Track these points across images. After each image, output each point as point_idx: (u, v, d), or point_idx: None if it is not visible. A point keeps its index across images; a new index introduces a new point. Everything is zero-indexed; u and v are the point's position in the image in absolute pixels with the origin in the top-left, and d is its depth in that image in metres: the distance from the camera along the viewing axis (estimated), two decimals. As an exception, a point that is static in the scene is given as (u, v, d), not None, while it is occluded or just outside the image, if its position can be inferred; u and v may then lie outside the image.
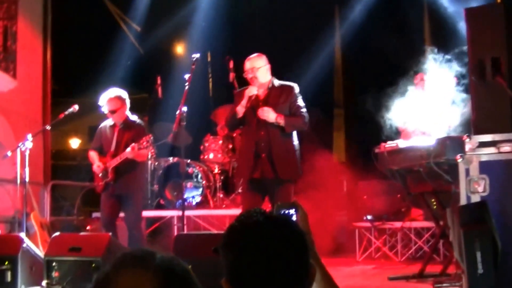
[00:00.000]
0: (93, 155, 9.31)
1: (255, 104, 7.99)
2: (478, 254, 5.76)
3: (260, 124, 7.89)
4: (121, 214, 9.49)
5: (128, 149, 8.70)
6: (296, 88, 8.08)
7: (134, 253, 1.93)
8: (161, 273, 1.87)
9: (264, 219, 2.33)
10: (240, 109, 7.96)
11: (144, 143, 8.64)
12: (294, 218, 2.78)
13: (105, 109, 9.13)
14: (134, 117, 9.37)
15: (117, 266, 1.90)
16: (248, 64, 8.05)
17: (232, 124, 8.33)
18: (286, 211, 2.79)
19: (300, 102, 8.02)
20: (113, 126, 9.29)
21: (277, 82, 8.11)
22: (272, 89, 8.04)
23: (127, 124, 9.22)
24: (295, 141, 8.06)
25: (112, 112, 9.11)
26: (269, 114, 7.79)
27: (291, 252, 2.28)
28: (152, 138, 8.81)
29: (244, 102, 7.93)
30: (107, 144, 9.23)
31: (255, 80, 7.97)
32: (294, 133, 8.08)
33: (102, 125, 9.47)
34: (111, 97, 9.14)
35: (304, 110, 8.00)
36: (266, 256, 2.24)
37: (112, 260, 1.94)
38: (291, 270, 2.27)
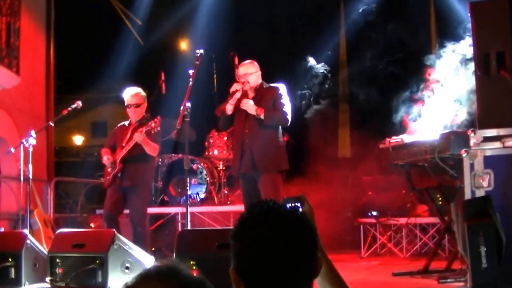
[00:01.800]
0: (104, 150, 9.38)
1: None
2: (482, 248, 5.79)
3: (246, 123, 8.36)
4: (126, 211, 9.53)
5: (137, 134, 8.77)
6: (282, 88, 8.53)
7: (160, 268, 1.94)
8: None
9: (274, 211, 2.38)
10: (228, 107, 8.46)
11: (152, 124, 8.73)
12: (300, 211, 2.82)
13: (129, 101, 9.24)
14: (148, 117, 9.50)
15: (139, 279, 1.91)
16: (242, 70, 8.56)
17: (223, 122, 8.76)
18: (292, 205, 2.83)
19: (284, 100, 8.42)
20: (128, 126, 9.38)
21: (265, 85, 8.62)
22: (259, 90, 8.54)
23: (142, 123, 9.29)
24: (280, 137, 8.48)
25: (137, 106, 9.23)
26: (248, 105, 8.27)
27: (298, 244, 2.32)
28: (160, 119, 8.91)
29: (231, 100, 8.40)
30: (120, 140, 9.28)
31: (246, 84, 8.46)
32: (279, 130, 8.49)
33: (119, 125, 9.60)
34: (137, 92, 9.33)
35: (285, 107, 8.39)
36: (272, 247, 2.29)
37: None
38: (297, 262, 2.31)
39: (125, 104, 9.37)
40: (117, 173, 9.09)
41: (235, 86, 8.38)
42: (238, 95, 8.36)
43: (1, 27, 13.36)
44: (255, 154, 8.24)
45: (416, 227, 11.63)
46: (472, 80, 7.77)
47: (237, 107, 8.43)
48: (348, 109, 17.15)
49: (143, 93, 9.42)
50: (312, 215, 2.86)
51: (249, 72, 8.45)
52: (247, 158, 8.27)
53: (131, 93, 9.30)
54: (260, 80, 8.59)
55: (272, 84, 8.63)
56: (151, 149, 9.06)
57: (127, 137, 9.21)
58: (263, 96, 8.45)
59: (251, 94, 8.51)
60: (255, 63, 8.62)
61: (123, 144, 9.14)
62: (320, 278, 2.75)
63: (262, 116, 8.22)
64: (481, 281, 5.83)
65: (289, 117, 8.37)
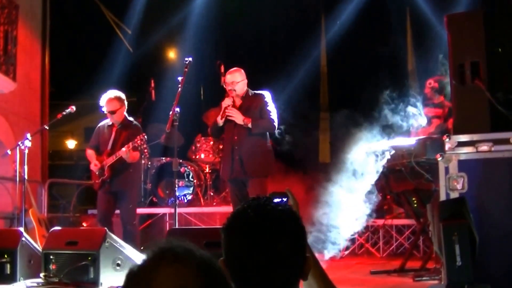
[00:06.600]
0: (90, 153, 9.33)
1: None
2: (457, 247, 5.78)
3: (235, 131, 8.43)
4: (117, 211, 9.50)
5: (124, 149, 8.74)
6: (267, 96, 8.59)
7: (174, 249, 1.80)
8: (203, 271, 1.77)
9: (266, 208, 2.34)
10: (220, 119, 8.49)
11: (138, 141, 8.70)
12: None
13: (105, 109, 9.15)
14: (131, 118, 9.42)
15: (157, 262, 1.77)
16: (229, 78, 8.57)
17: (214, 132, 8.89)
18: (279, 199, 2.80)
19: (270, 107, 8.49)
20: (111, 126, 9.32)
21: (251, 92, 8.66)
22: (246, 98, 8.59)
23: (125, 125, 9.25)
24: (267, 143, 8.58)
25: (112, 112, 9.14)
26: (236, 115, 8.35)
27: (286, 243, 2.28)
28: (145, 137, 8.85)
29: (222, 113, 8.46)
30: (104, 143, 9.25)
31: (233, 92, 8.51)
32: (267, 136, 8.59)
33: (100, 124, 9.50)
34: (111, 98, 9.18)
35: (272, 114, 8.47)
36: (259, 244, 2.25)
37: (148, 254, 1.81)
38: (284, 260, 2.27)
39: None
40: (106, 179, 9.06)
41: (226, 102, 8.42)
42: (229, 109, 8.38)
43: (-1, 35, 13.31)
44: (244, 160, 8.30)
45: (392, 229, 11.63)
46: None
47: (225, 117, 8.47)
48: (328, 117, 17.15)
49: (121, 97, 9.30)
50: (298, 209, 2.84)
51: (236, 81, 8.47)
52: (237, 164, 8.33)
53: (105, 100, 9.20)
54: (246, 88, 8.61)
55: (257, 92, 8.66)
56: (134, 158, 9.02)
57: (112, 140, 9.18)
58: (250, 104, 8.50)
59: (238, 102, 8.54)
60: (242, 71, 8.62)
61: (109, 149, 9.11)
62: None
63: (249, 125, 8.29)
64: (455, 279, 5.82)
65: (275, 124, 8.45)
